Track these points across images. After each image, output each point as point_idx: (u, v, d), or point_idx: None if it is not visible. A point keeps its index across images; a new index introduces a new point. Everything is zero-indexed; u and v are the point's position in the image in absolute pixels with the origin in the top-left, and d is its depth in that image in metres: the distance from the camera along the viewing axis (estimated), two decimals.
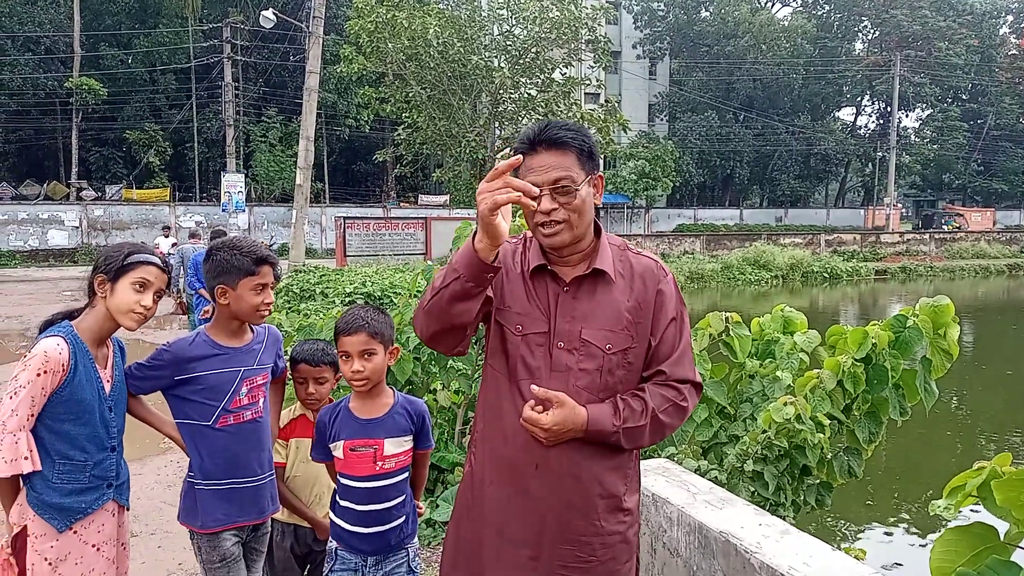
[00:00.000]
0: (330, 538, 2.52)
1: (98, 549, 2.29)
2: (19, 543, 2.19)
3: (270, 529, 2.71)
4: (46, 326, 2.29)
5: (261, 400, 2.63)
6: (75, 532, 2.24)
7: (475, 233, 1.76)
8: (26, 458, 2.13)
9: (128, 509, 2.47)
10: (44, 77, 35.58)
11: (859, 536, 6.42)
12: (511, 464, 1.93)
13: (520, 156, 1.82)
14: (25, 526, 2.19)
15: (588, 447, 1.88)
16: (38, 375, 2.14)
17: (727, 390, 4.58)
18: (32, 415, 2.15)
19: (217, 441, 2.53)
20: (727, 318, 4.57)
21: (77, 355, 2.22)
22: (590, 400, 1.87)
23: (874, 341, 4.15)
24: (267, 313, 2.58)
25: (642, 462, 4.29)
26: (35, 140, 38.51)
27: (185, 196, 37.93)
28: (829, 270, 30.11)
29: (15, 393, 2.12)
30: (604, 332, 1.90)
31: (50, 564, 2.18)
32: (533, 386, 1.83)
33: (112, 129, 37.75)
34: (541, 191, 1.81)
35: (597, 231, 2.00)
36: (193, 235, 12.42)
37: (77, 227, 29.25)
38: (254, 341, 2.65)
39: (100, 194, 34.95)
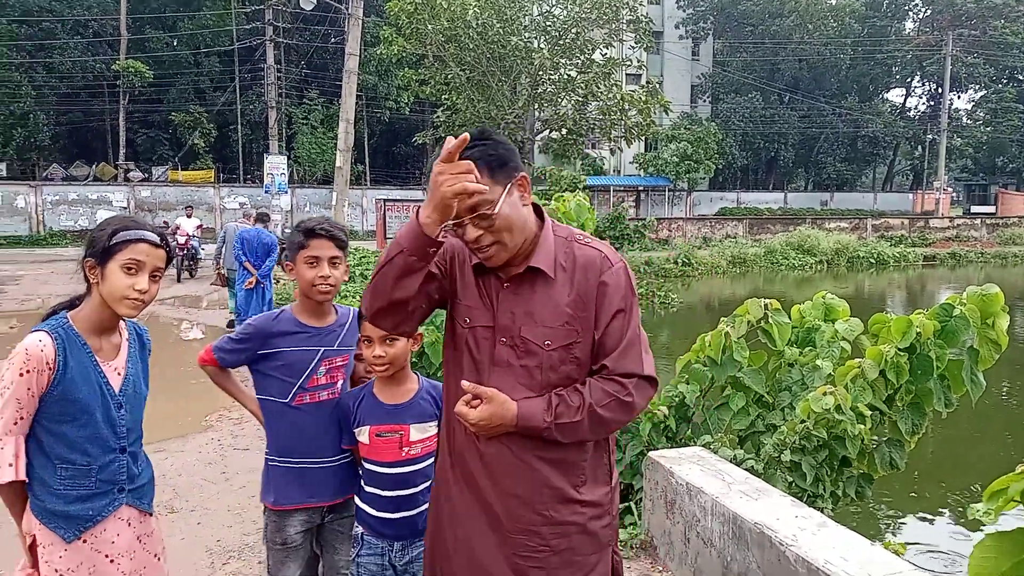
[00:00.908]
0: (356, 523, 2.53)
1: (112, 560, 2.07)
2: (33, 555, 2.03)
3: (353, 513, 2.69)
4: (48, 316, 2.10)
5: (340, 382, 2.62)
6: (85, 542, 2.03)
7: (419, 209, 1.76)
8: (10, 465, 1.95)
9: (152, 514, 2.23)
10: (92, 60, 36.32)
11: (899, 529, 6.29)
12: (460, 453, 1.97)
13: (467, 135, 1.77)
14: (35, 536, 2.02)
15: (528, 440, 1.87)
16: (20, 375, 1.94)
17: (765, 378, 4.50)
18: (21, 418, 1.96)
19: (292, 419, 2.55)
20: (766, 305, 4.48)
21: (67, 350, 2.00)
22: (530, 396, 1.86)
23: (919, 330, 4.03)
24: (326, 289, 2.56)
25: (676, 450, 4.27)
26: (84, 122, 39.37)
27: (229, 178, 38.50)
28: (875, 255, 29.45)
29: (1, 394, 1.94)
30: (542, 329, 1.87)
31: None
32: (464, 381, 1.86)
33: (158, 111, 38.43)
34: (464, 221, 1.80)
35: (541, 217, 1.96)
36: (248, 215, 12.57)
37: (125, 207, 29.86)
38: (336, 323, 2.66)
39: (147, 175, 35.66)
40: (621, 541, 4.10)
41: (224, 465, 5.56)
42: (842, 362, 4.43)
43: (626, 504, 4.48)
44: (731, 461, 3.95)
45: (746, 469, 3.86)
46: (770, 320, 4.43)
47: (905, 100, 58.57)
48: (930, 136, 50.05)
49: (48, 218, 29.16)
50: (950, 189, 48.02)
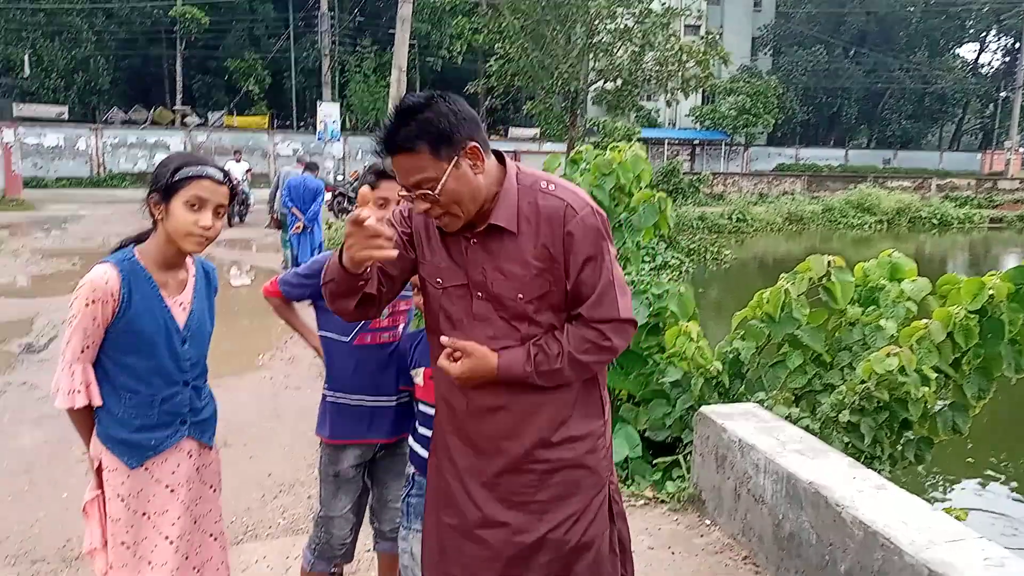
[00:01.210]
0: (408, 463, 2.53)
1: (172, 490, 2.12)
2: (99, 478, 2.09)
3: (406, 452, 2.71)
4: (116, 250, 2.13)
5: (401, 325, 2.64)
6: (147, 470, 2.08)
7: (341, 250, 1.78)
8: (79, 392, 2.00)
9: (212, 448, 2.27)
10: (150, 6, 36.64)
11: (954, 494, 6.14)
12: (449, 404, 1.98)
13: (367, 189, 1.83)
14: (101, 460, 2.08)
15: (511, 384, 1.87)
16: (86, 305, 1.97)
17: (824, 337, 4.36)
18: (87, 347, 2.01)
19: (352, 357, 2.57)
20: (829, 262, 4.33)
21: (132, 283, 2.02)
22: (512, 345, 1.86)
23: (991, 292, 3.86)
24: None
25: (729, 406, 4.19)
26: (143, 67, 39.92)
27: (283, 124, 38.80)
28: (939, 216, 28.44)
29: (70, 323, 2.00)
30: (511, 283, 1.84)
31: (122, 500, 2.06)
32: (443, 337, 1.86)
33: (214, 57, 38.73)
34: (411, 195, 1.80)
35: (504, 164, 1.91)
36: (300, 161, 12.68)
37: (181, 151, 30.35)
38: None
39: (203, 120, 36.12)
40: (669, 494, 4.07)
41: (276, 403, 5.66)
42: (907, 323, 4.28)
43: (673, 458, 4.43)
44: (786, 419, 3.86)
45: (801, 428, 3.77)
46: (832, 277, 4.28)
47: (978, 56, 55.92)
48: (1004, 94, 47.75)
49: (108, 160, 29.82)
50: (1022, 150, 45.87)
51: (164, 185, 2.02)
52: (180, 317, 2.13)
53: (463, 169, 1.77)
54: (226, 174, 2.11)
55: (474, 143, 1.78)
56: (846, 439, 3.84)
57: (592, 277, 1.84)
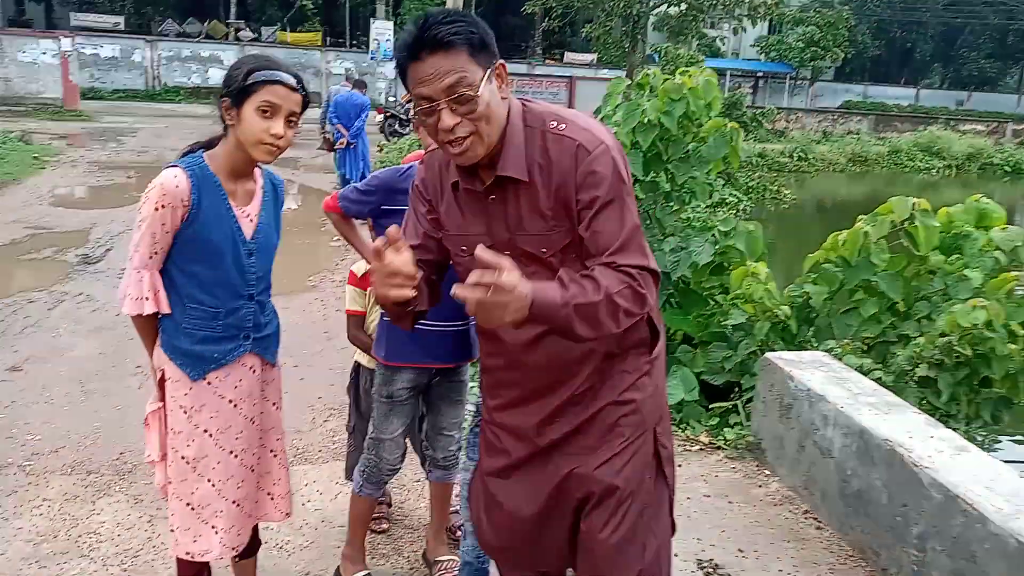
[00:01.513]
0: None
1: (235, 405, 2.10)
2: (161, 389, 2.08)
3: (466, 379, 2.69)
4: (185, 154, 2.06)
5: None
6: (209, 383, 2.05)
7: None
8: (147, 298, 1.96)
9: (275, 365, 2.25)
10: None
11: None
12: (492, 341, 1.86)
13: (396, 232, 1.48)
14: (163, 371, 2.06)
15: (560, 348, 1.72)
16: (156, 209, 1.91)
17: (902, 285, 4.11)
18: (155, 252, 1.96)
19: None
20: (913, 204, 4.04)
21: (201, 189, 1.96)
22: None
23: None
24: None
25: (796, 353, 4.00)
26: None
27: (336, 42, 38.24)
28: (1012, 163, 26.98)
29: (138, 227, 1.95)
30: (533, 238, 1.68)
31: (185, 412, 2.05)
32: (479, 248, 1.47)
33: None
34: (438, 105, 1.56)
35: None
36: (348, 79, 12.47)
37: None
38: None
39: (256, 35, 35.79)
40: (726, 441, 3.93)
41: (327, 325, 5.64)
42: (995, 274, 4.00)
43: (731, 403, 4.28)
44: (857, 370, 3.66)
45: (873, 380, 3.57)
46: (916, 221, 4.00)
47: None
48: None
49: (163, 73, 29.84)
50: None
51: (236, 89, 1.91)
52: (247, 229, 2.07)
53: (493, 85, 1.60)
54: (300, 80, 1.97)
55: (502, 62, 1.62)
56: (920, 394, 3.63)
57: (615, 222, 1.63)
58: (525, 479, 1.87)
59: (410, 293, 1.51)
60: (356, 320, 2.82)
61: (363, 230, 2.80)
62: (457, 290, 1.41)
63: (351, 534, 2.72)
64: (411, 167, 2.56)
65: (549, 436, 1.82)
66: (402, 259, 1.49)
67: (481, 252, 1.43)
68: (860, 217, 4.12)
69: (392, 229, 1.48)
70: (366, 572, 2.70)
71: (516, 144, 1.65)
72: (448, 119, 1.57)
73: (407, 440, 2.69)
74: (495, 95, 1.61)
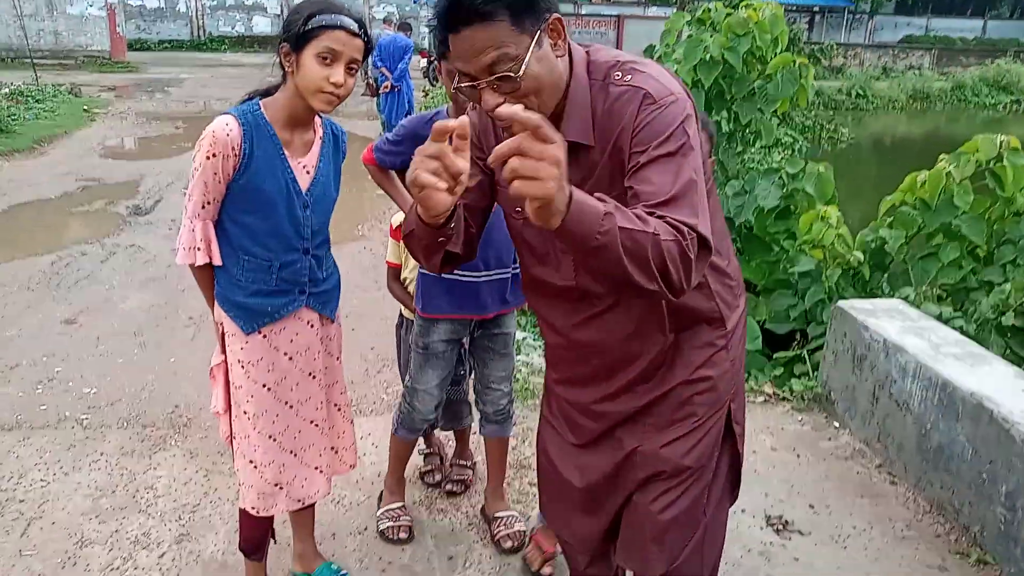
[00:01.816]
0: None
1: (291, 359, 2.06)
2: (222, 343, 2.05)
3: (510, 331, 2.61)
4: (243, 102, 1.98)
5: None
6: (264, 336, 2.01)
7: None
8: (199, 249, 1.91)
9: (335, 321, 2.20)
10: None
11: None
12: (550, 313, 1.74)
13: (465, 128, 1.18)
14: (222, 324, 2.03)
15: (609, 288, 1.55)
16: (208, 158, 1.84)
17: (985, 228, 3.84)
18: (208, 202, 1.89)
19: None
20: (1002, 143, 3.75)
21: (254, 138, 1.88)
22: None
23: None
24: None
25: (870, 301, 3.78)
26: None
27: None
28: None
29: (192, 176, 1.89)
30: None
31: (243, 367, 2.01)
32: (503, 106, 1.17)
33: None
34: (478, 85, 1.37)
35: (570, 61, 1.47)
36: (389, 22, 12.27)
37: (278, 15, 30.03)
38: None
39: None
40: (792, 392, 3.77)
41: (377, 275, 5.56)
42: None
43: (797, 352, 4.11)
44: (936, 318, 3.45)
45: (954, 328, 3.36)
46: (1005, 160, 3.71)
47: None
48: None
49: (208, 23, 29.79)
50: None
51: (296, 34, 1.81)
52: (303, 181, 1.98)
53: (545, 48, 1.39)
54: (362, 24, 1.85)
55: (557, 14, 1.40)
56: (1005, 344, 3.41)
57: (665, 175, 1.35)
58: (584, 452, 1.80)
59: (442, 185, 1.20)
60: (394, 272, 2.76)
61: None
62: (499, 148, 1.14)
63: (390, 467, 2.77)
64: (438, 111, 2.47)
65: (612, 412, 1.72)
66: (457, 157, 1.21)
67: (526, 115, 1.12)
68: (942, 157, 3.85)
69: (462, 122, 1.18)
70: (400, 503, 2.76)
71: (580, 103, 1.46)
72: (491, 99, 1.38)
73: (443, 393, 2.65)
74: (546, 59, 1.40)
